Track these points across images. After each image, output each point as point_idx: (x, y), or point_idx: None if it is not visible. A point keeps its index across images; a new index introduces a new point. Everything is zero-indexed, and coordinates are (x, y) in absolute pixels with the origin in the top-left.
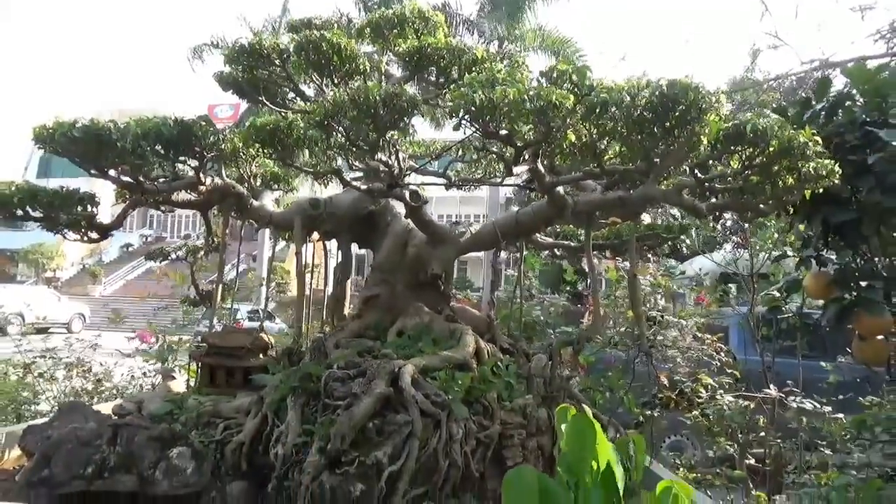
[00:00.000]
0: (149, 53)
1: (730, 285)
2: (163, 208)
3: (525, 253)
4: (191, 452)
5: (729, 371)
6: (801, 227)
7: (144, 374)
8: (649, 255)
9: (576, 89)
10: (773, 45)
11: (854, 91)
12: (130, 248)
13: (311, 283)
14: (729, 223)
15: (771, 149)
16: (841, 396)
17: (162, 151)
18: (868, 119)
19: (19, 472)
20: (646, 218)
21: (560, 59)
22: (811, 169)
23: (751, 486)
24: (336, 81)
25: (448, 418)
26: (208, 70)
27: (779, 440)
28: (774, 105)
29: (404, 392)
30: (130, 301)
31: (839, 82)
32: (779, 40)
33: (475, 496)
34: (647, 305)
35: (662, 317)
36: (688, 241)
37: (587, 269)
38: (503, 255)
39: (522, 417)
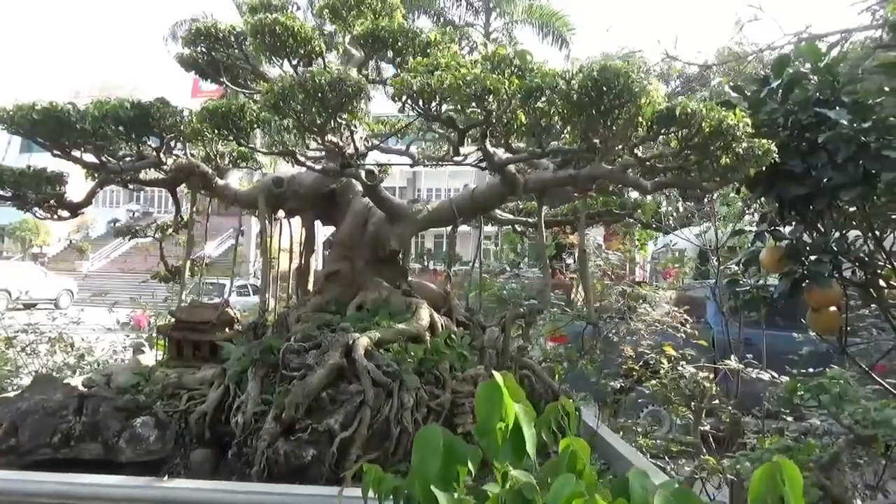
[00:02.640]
0: (134, 27)
1: (712, 258)
2: (131, 186)
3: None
4: (154, 422)
5: (694, 342)
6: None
7: (125, 348)
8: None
9: (518, 71)
10: (755, 18)
11: (808, 71)
12: (118, 224)
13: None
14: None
15: (705, 129)
16: (811, 369)
17: (123, 133)
18: (821, 98)
19: None
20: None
21: (547, 32)
22: (744, 149)
23: (703, 450)
24: (295, 63)
25: (400, 388)
26: None
27: (731, 408)
28: (732, 84)
29: (357, 363)
30: (118, 277)
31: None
32: (761, 12)
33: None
34: (612, 279)
35: (632, 289)
36: (675, 214)
37: (538, 243)
38: (489, 228)
39: (473, 386)
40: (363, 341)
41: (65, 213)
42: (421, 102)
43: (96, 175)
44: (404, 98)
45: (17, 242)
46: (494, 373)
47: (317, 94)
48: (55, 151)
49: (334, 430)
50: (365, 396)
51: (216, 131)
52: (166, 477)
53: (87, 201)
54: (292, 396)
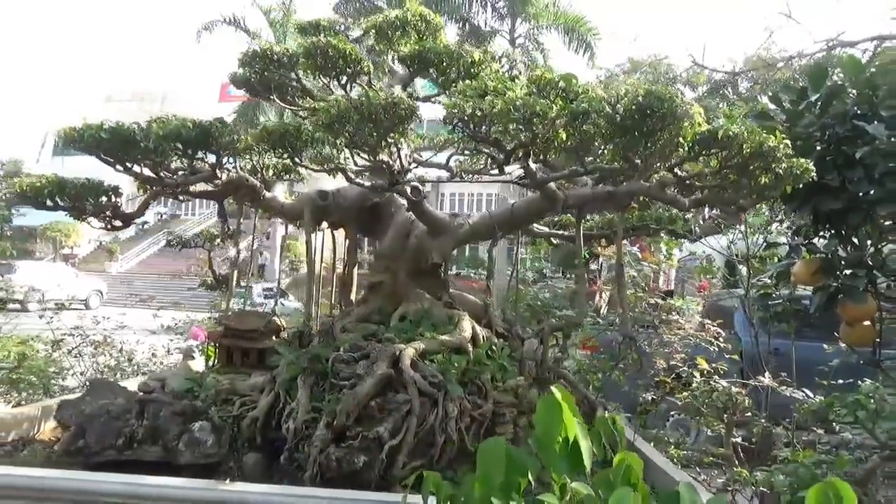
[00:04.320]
0: (163, 34)
1: (740, 268)
2: (181, 198)
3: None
4: (211, 426)
5: (727, 356)
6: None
7: (168, 351)
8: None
9: (563, 94)
10: (783, 26)
11: (846, 83)
12: (146, 226)
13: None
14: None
15: (746, 151)
16: (841, 381)
17: (181, 149)
18: (859, 112)
19: (58, 442)
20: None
21: (572, 38)
22: (783, 169)
23: (736, 462)
24: (342, 82)
25: (444, 397)
26: (220, 49)
27: (763, 420)
28: (770, 94)
29: (404, 373)
30: (146, 278)
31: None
32: (791, 20)
33: (470, 468)
34: (647, 289)
35: (665, 299)
36: (701, 223)
37: (576, 258)
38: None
39: (514, 397)
40: (409, 352)
41: (118, 223)
42: (472, 125)
43: (148, 188)
44: (455, 120)
45: (49, 243)
46: (553, 388)
47: (371, 116)
48: (117, 167)
49: (383, 438)
50: (412, 405)
51: (273, 149)
52: (228, 480)
53: (141, 212)
54: (343, 404)
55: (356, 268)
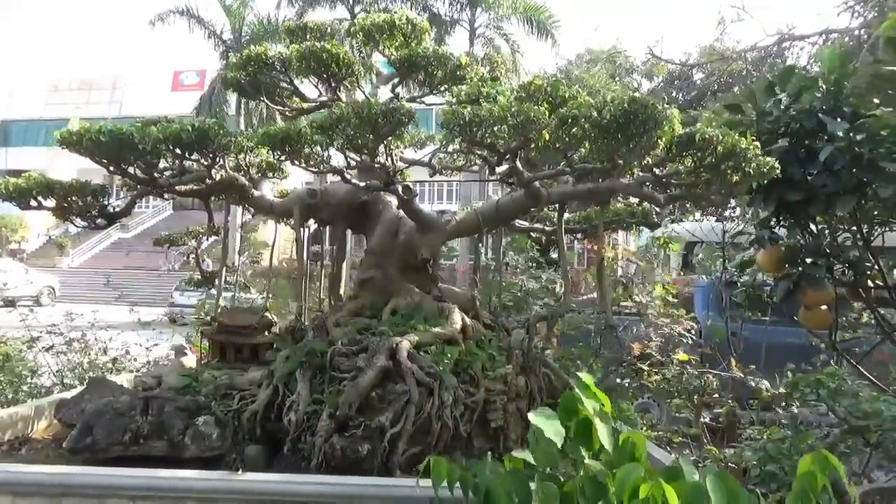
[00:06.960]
0: (110, 20)
1: (696, 252)
2: (166, 196)
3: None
4: (214, 420)
5: (699, 350)
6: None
7: (147, 349)
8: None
9: (550, 98)
10: (739, 18)
11: (819, 78)
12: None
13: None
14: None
15: (719, 151)
16: (804, 364)
17: (178, 151)
18: (823, 108)
19: (62, 440)
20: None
21: (532, 26)
22: (753, 168)
23: (705, 441)
24: (332, 84)
25: (440, 387)
26: (171, 37)
27: (730, 401)
28: (727, 106)
29: (402, 365)
30: (100, 274)
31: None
32: (744, 13)
33: (464, 453)
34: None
35: (633, 282)
36: (657, 210)
37: (558, 251)
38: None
39: (504, 385)
40: (406, 344)
41: (102, 222)
42: (468, 130)
43: (138, 187)
44: (452, 126)
45: None
46: (581, 374)
47: (370, 121)
48: (111, 168)
49: (385, 427)
50: (410, 395)
51: (273, 151)
52: (240, 471)
53: (127, 211)
54: (346, 396)
55: (343, 263)
